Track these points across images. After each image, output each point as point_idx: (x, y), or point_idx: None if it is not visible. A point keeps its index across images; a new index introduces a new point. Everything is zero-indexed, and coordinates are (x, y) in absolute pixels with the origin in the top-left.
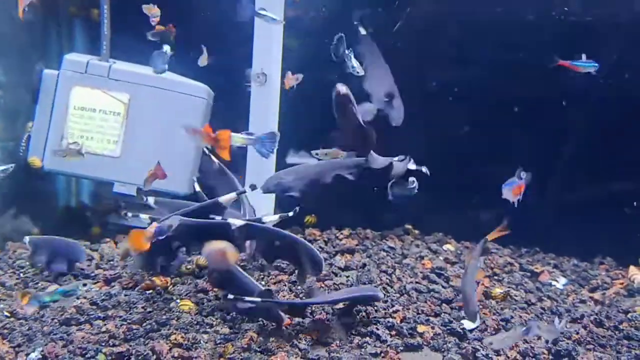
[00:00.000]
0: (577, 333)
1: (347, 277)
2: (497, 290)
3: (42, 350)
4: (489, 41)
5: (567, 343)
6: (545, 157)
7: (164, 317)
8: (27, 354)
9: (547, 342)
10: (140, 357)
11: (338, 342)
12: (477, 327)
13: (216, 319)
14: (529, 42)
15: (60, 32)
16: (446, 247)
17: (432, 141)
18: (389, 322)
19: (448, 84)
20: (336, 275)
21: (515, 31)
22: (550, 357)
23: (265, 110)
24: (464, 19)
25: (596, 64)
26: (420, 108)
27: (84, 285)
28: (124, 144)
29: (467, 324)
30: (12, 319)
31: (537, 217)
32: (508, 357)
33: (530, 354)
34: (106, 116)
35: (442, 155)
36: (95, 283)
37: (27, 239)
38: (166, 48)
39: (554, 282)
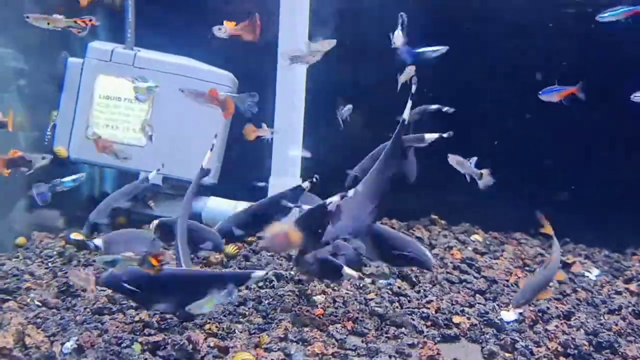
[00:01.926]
0: (617, 324)
1: (377, 266)
2: None
3: (78, 340)
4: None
5: (608, 334)
6: (575, 147)
7: None
8: (63, 343)
9: (587, 333)
10: (176, 347)
11: (373, 331)
12: (516, 319)
13: (249, 308)
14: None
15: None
16: (474, 237)
17: (458, 129)
18: (423, 312)
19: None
20: (365, 265)
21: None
22: (592, 348)
23: (291, 98)
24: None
25: None
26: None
27: None
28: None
29: (505, 315)
30: (44, 309)
31: (566, 207)
32: (549, 349)
33: (572, 346)
34: (131, 105)
35: (469, 144)
36: None
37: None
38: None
39: (586, 273)
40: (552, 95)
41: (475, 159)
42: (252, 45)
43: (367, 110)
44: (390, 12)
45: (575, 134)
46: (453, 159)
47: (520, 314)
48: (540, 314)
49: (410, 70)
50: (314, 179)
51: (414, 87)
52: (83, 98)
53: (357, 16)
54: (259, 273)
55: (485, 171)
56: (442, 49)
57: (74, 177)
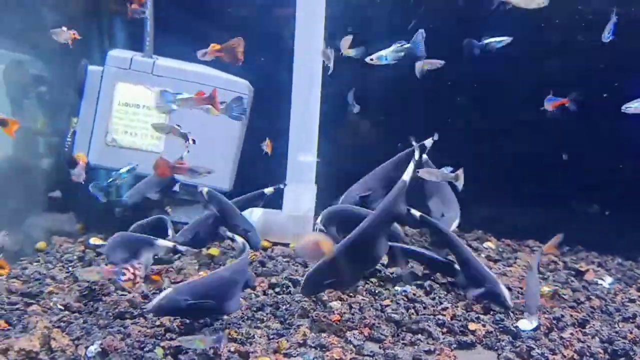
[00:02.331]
0: (631, 332)
1: (391, 273)
2: (545, 289)
3: (102, 344)
4: None
5: (624, 342)
6: (586, 155)
7: None
8: (87, 347)
9: (602, 341)
10: (198, 351)
11: (390, 337)
12: (536, 327)
13: (266, 314)
14: None
15: (101, 28)
16: (487, 244)
17: (472, 137)
18: (439, 319)
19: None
20: (379, 271)
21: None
22: (607, 356)
23: (306, 105)
24: None
25: None
26: (464, 106)
27: None
28: (167, 139)
29: (523, 325)
30: (66, 312)
31: (578, 215)
32: (564, 356)
33: (587, 353)
34: (150, 112)
35: (482, 152)
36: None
37: None
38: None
39: (599, 281)
40: (547, 104)
41: (450, 168)
42: (269, 53)
43: (382, 116)
44: (405, 18)
45: (586, 140)
46: (423, 173)
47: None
48: (555, 322)
49: (433, 63)
50: (281, 186)
51: (416, 154)
52: (102, 105)
53: (372, 22)
54: (164, 243)
55: (459, 172)
56: (506, 39)
57: (127, 167)
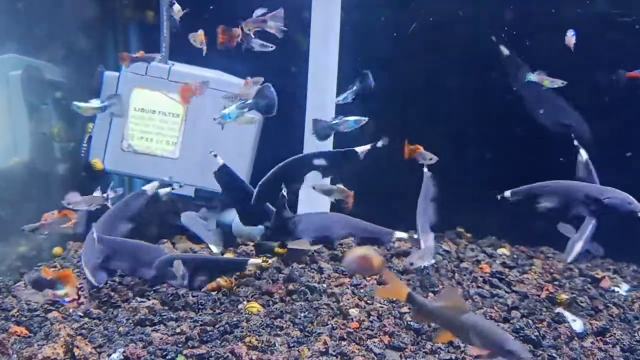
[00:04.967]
0: None
1: (408, 280)
2: (563, 296)
3: (124, 351)
4: None
5: None
6: (599, 158)
7: (235, 319)
8: (109, 355)
9: (623, 350)
10: (220, 359)
11: (410, 346)
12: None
13: (285, 321)
14: None
15: (116, 34)
16: (500, 251)
17: (480, 142)
18: None
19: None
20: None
21: None
22: None
23: (321, 112)
24: None
25: None
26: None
27: None
28: (182, 145)
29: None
30: (86, 319)
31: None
32: None
33: None
34: (165, 118)
35: (493, 160)
36: (161, 283)
37: None
38: None
39: (616, 289)
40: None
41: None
42: (284, 62)
43: (396, 125)
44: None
45: (597, 143)
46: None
47: (557, 329)
48: (575, 330)
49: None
50: None
51: None
52: None
53: (385, 31)
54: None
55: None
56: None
57: (356, 118)
